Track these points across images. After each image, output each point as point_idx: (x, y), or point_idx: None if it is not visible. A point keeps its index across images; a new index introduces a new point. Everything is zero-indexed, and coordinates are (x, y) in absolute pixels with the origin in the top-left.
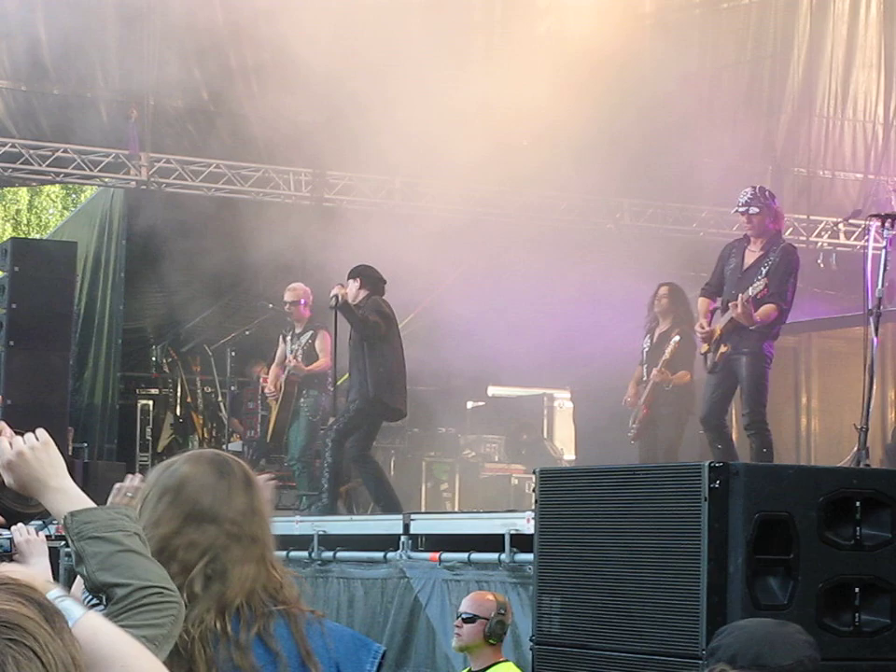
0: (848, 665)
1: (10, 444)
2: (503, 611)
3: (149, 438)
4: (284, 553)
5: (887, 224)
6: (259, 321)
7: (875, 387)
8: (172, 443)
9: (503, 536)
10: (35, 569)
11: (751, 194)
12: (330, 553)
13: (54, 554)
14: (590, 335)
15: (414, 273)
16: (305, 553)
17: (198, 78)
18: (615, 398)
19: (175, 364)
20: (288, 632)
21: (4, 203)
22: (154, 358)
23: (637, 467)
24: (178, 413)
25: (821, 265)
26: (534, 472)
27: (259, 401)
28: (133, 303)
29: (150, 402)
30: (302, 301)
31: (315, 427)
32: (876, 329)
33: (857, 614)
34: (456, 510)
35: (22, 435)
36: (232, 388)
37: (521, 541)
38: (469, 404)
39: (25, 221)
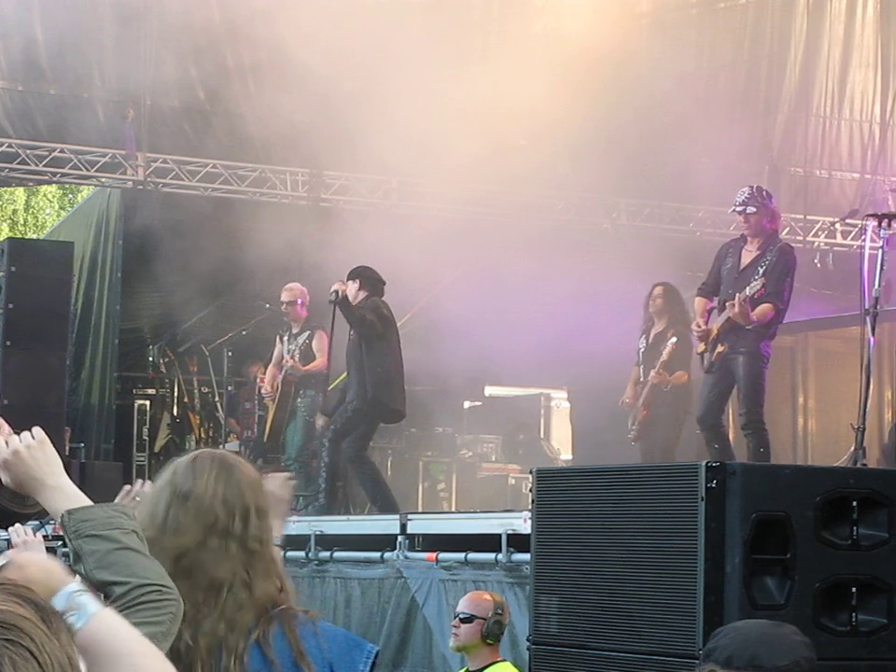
0: (845, 665)
1: (6, 443)
2: (500, 611)
3: (146, 438)
4: (281, 553)
5: (883, 224)
6: (256, 321)
7: (871, 387)
8: (169, 443)
9: (500, 536)
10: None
11: (748, 194)
12: (327, 553)
13: (51, 555)
14: (587, 335)
15: (411, 273)
16: (302, 553)
17: (194, 78)
18: (612, 397)
19: (172, 364)
20: (282, 632)
21: (0, 203)
22: (151, 358)
23: (634, 467)
24: (175, 413)
25: (818, 265)
26: (531, 472)
27: (256, 401)
28: (129, 303)
29: (147, 402)
30: (299, 302)
31: (311, 428)
32: (873, 329)
33: (854, 614)
34: (453, 510)
35: (19, 434)
36: (229, 388)
37: (518, 541)
38: (466, 404)
39: (22, 221)
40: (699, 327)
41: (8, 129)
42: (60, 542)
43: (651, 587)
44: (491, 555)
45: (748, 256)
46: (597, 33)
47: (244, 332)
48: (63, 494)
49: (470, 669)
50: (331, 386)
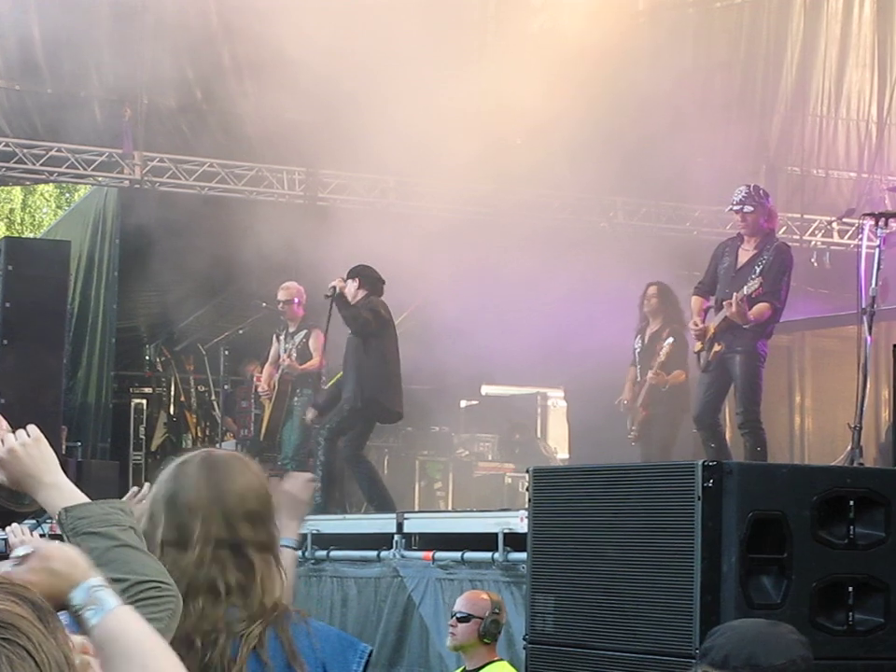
0: (842, 665)
1: (2, 442)
2: (498, 610)
3: (143, 437)
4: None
5: (880, 223)
6: (253, 320)
7: (868, 386)
8: (165, 442)
9: (496, 535)
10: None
11: (745, 193)
12: (324, 552)
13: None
14: (584, 334)
15: (408, 272)
16: (299, 553)
17: (191, 77)
18: (609, 396)
19: (169, 363)
20: (275, 633)
21: None
22: (148, 357)
23: (631, 466)
24: (172, 411)
25: (815, 264)
26: (527, 471)
27: (253, 400)
28: (126, 302)
29: (144, 401)
30: (296, 301)
31: (308, 427)
32: (870, 328)
33: (850, 613)
34: (450, 509)
35: (14, 433)
36: (226, 387)
37: (514, 540)
38: (463, 403)
39: (19, 220)
40: (696, 326)
41: (5, 128)
42: (56, 542)
43: (647, 586)
44: (487, 554)
45: (744, 255)
46: (594, 32)
47: (240, 331)
48: (60, 491)
49: (467, 668)
50: (328, 385)
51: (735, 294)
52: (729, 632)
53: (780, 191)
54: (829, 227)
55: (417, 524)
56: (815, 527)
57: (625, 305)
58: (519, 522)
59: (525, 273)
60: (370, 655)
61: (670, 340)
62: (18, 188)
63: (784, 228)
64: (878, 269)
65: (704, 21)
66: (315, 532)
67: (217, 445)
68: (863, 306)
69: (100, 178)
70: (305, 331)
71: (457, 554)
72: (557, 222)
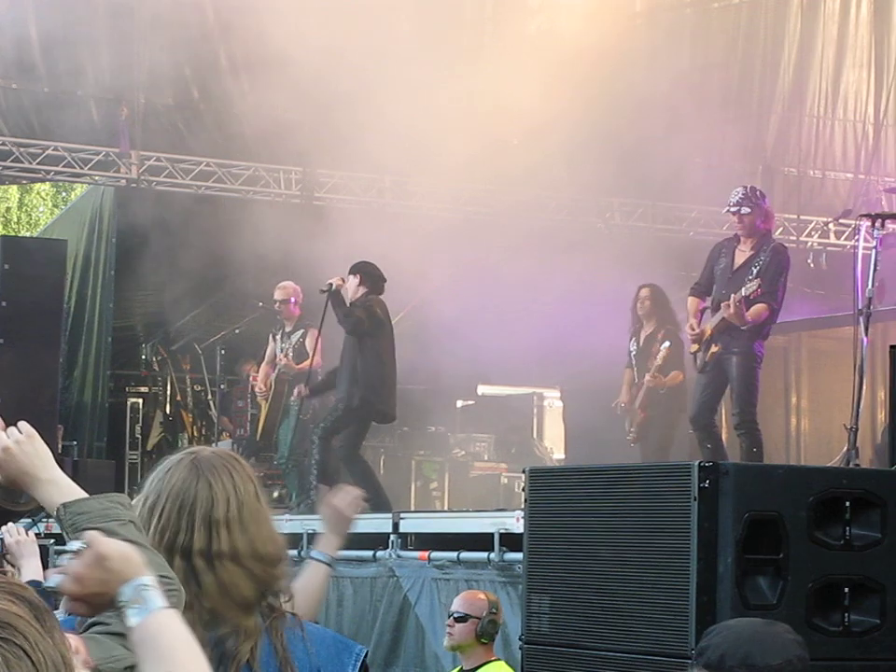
0: (838, 666)
1: None
2: (495, 610)
3: (139, 436)
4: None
5: (877, 224)
6: (249, 319)
7: (864, 387)
8: (161, 441)
9: (492, 535)
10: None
11: (743, 194)
12: None
13: (44, 552)
14: (580, 334)
15: (404, 272)
16: (294, 552)
17: (188, 76)
18: (605, 397)
19: (165, 362)
20: (268, 639)
21: None
22: (144, 357)
23: (627, 466)
24: (168, 411)
25: (811, 265)
26: (523, 471)
27: (249, 400)
28: (122, 301)
29: (140, 400)
30: (292, 300)
31: (305, 426)
32: (866, 329)
33: (846, 614)
34: (446, 508)
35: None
36: (222, 387)
37: (510, 540)
38: (459, 403)
39: (15, 219)
40: (693, 329)
41: (2, 126)
42: (52, 540)
43: (643, 587)
44: (483, 554)
45: (741, 256)
46: (592, 33)
47: (237, 331)
48: (58, 487)
49: (465, 669)
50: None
51: (733, 295)
52: (725, 631)
53: (777, 192)
54: (825, 228)
55: (413, 523)
56: (811, 528)
57: (621, 306)
58: (515, 522)
59: (521, 274)
60: (365, 656)
61: (667, 343)
62: (14, 186)
63: (780, 229)
64: (875, 270)
65: (701, 22)
66: (311, 532)
67: (214, 444)
68: (860, 307)
69: (96, 177)
70: (302, 331)
71: (453, 554)
72: (554, 223)
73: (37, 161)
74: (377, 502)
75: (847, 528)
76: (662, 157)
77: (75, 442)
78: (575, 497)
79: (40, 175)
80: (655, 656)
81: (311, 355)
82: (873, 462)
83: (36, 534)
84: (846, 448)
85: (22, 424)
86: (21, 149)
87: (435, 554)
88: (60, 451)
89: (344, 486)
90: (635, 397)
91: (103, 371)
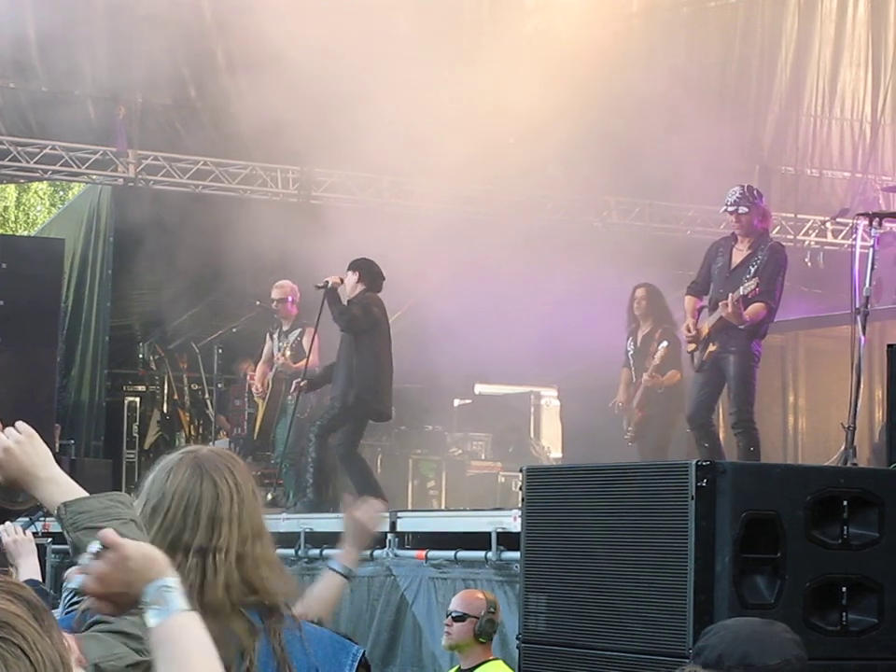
0: (836, 665)
1: None
2: (493, 610)
3: (136, 435)
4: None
5: (874, 223)
6: (247, 318)
7: (862, 386)
8: (158, 440)
9: (490, 534)
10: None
11: (740, 193)
12: (317, 551)
13: (41, 551)
14: (577, 333)
15: (401, 271)
16: (292, 551)
17: (186, 76)
18: (602, 396)
19: (162, 361)
20: (266, 639)
21: None
22: (141, 356)
23: (625, 465)
24: (165, 410)
25: (809, 264)
26: (521, 470)
27: (247, 399)
28: (120, 300)
29: (137, 399)
30: (290, 299)
31: (301, 425)
32: (864, 328)
33: (844, 613)
34: (443, 507)
35: (3, 427)
36: (219, 385)
37: (507, 539)
38: (456, 402)
39: (13, 218)
40: (689, 330)
41: (0, 126)
42: (50, 539)
43: (640, 586)
44: (480, 553)
45: (738, 255)
46: (589, 33)
47: (234, 330)
48: (58, 486)
49: (462, 668)
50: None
51: (731, 294)
52: (723, 631)
53: (774, 191)
54: (823, 227)
55: (410, 522)
56: (808, 527)
57: (619, 305)
58: (512, 521)
59: (518, 273)
60: (362, 656)
61: (665, 343)
62: (12, 185)
63: (778, 228)
64: (872, 269)
65: (698, 21)
66: (308, 531)
67: (211, 443)
68: (857, 306)
69: (94, 176)
70: (299, 330)
71: (450, 553)
72: (551, 222)
73: (35, 160)
74: None
75: (845, 527)
76: (659, 156)
77: (72, 441)
78: (572, 496)
79: (37, 175)
80: (653, 655)
81: (307, 354)
82: (870, 461)
83: (34, 533)
84: (843, 447)
85: (21, 424)
86: (19, 148)
87: (432, 553)
88: (57, 450)
89: (368, 499)
90: (632, 396)
91: (100, 370)
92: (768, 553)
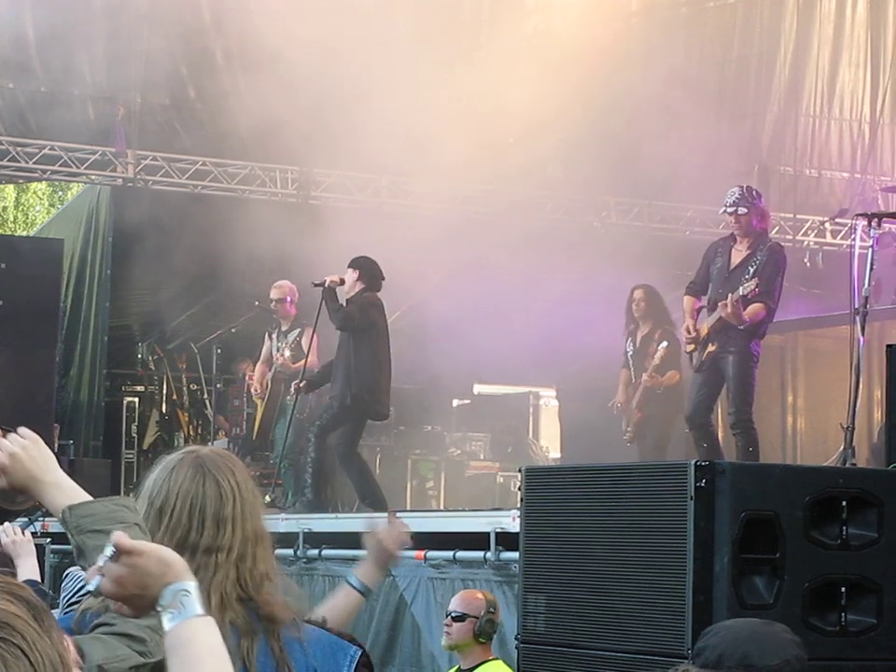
0: (835, 665)
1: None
2: (493, 610)
3: (135, 435)
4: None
5: (873, 223)
6: (245, 319)
7: (861, 387)
8: (157, 440)
9: (489, 534)
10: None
11: (739, 194)
12: (316, 551)
13: (40, 552)
14: (576, 333)
15: (400, 271)
16: (291, 551)
17: (185, 76)
18: (601, 396)
19: (161, 361)
20: (265, 640)
21: None
22: (140, 356)
23: (623, 465)
24: (164, 410)
25: (808, 264)
26: (519, 470)
27: (245, 399)
28: (118, 301)
29: (136, 399)
30: (288, 299)
31: (301, 425)
32: (863, 329)
33: (843, 614)
34: (442, 508)
35: (5, 433)
36: (218, 386)
37: (506, 540)
38: (455, 402)
39: (12, 219)
40: (688, 331)
41: None
42: (49, 539)
43: (639, 586)
44: (479, 554)
45: (737, 255)
46: (588, 33)
47: (233, 330)
48: (62, 490)
49: (462, 668)
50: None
51: (730, 295)
52: (723, 631)
53: (773, 191)
54: (822, 227)
55: (409, 522)
56: (807, 528)
57: (618, 305)
58: (511, 521)
59: (517, 273)
60: (361, 657)
61: (665, 343)
62: (11, 185)
63: (777, 228)
64: (871, 269)
65: (697, 21)
66: (307, 531)
67: (210, 443)
68: (856, 306)
69: (93, 177)
70: (298, 330)
71: (449, 554)
72: (550, 222)
73: (34, 160)
74: (373, 500)
75: (844, 528)
76: (658, 156)
77: (71, 441)
78: (571, 496)
79: (37, 175)
80: (652, 655)
81: (306, 354)
82: (869, 461)
83: (33, 533)
84: (842, 447)
85: (23, 430)
86: (18, 149)
87: (431, 554)
88: (56, 450)
89: (393, 517)
90: (631, 397)
91: (99, 371)
92: (767, 553)
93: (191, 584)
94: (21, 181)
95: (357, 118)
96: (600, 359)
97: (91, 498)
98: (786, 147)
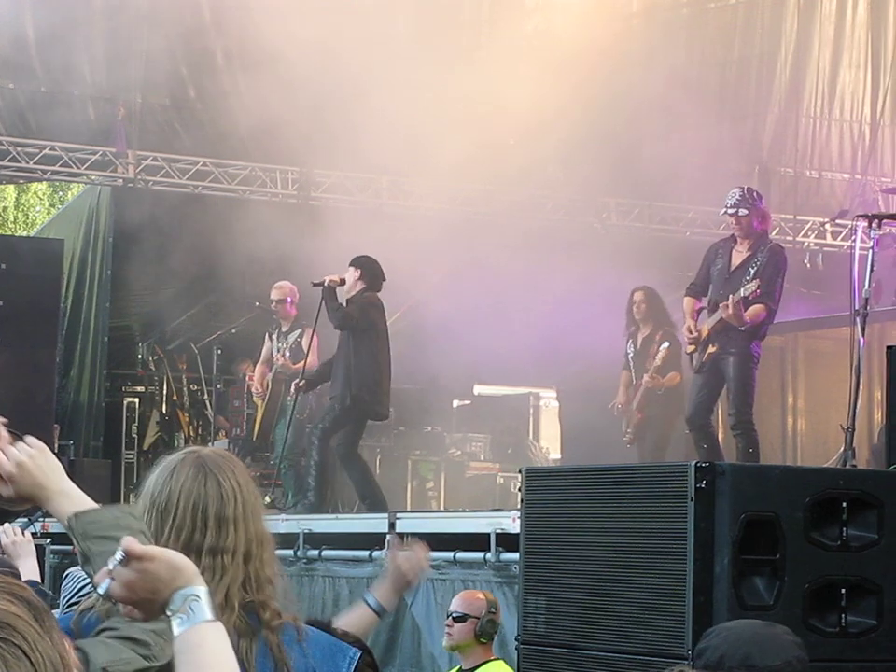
0: (834, 667)
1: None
2: (493, 610)
3: (135, 435)
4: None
5: (874, 224)
6: (246, 319)
7: (861, 388)
8: (158, 441)
9: (489, 535)
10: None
11: (740, 195)
12: (316, 552)
13: (40, 552)
14: (576, 334)
15: (400, 272)
16: (291, 552)
17: (185, 76)
18: (601, 397)
19: (161, 362)
20: (264, 642)
21: None
22: (140, 356)
23: (623, 466)
24: (164, 410)
25: (808, 265)
26: (520, 471)
27: (246, 399)
28: (119, 301)
29: (136, 400)
30: (289, 300)
31: (301, 425)
32: (863, 330)
33: (843, 615)
34: (442, 508)
35: (14, 438)
36: (218, 386)
37: (506, 540)
38: (455, 403)
39: (12, 219)
40: (689, 331)
41: None
42: (49, 540)
43: (639, 587)
44: (480, 554)
45: (738, 257)
46: (588, 33)
47: (233, 330)
48: (69, 498)
49: (464, 668)
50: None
51: (731, 296)
52: (724, 633)
53: (773, 192)
54: (822, 228)
55: (409, 523)
56: (807, 529)
57: (618, 306)
58: (511, 522)
59: (517, 274)
60: (362, 658)
61: (666, 344)
62: (11, 186)
63: (777, 229)
64: (871, 270)
65: (697, 22)
66: (307, 532)
67: (210, 444)
68: (856, 308)
69: (93, 177)
70: (299, 331)
71: (449, 554)
72: (551, 223)
73: (34, 160)
74: (374, 501)
75: (844, 529)
76: (658, 157)
77: (71, 442)
78: (571, 497)
79: (37, 175)
80: (651, 657)
81: (306, 354)
82: (869, 463)
83: (33, 534)
84: (842, 449)
85: (31, 439)
86: (18, 149)
87: (431, 554)
88: (56, 450)
89: (416, 544)
90: (632, 398)
91: (99, 371)
92: (767, 554)
93: (202, 589)
94: (21, 181)
95: (357, 118)
96: (600, 360)
97: (97, 506)
98: (786, 148)
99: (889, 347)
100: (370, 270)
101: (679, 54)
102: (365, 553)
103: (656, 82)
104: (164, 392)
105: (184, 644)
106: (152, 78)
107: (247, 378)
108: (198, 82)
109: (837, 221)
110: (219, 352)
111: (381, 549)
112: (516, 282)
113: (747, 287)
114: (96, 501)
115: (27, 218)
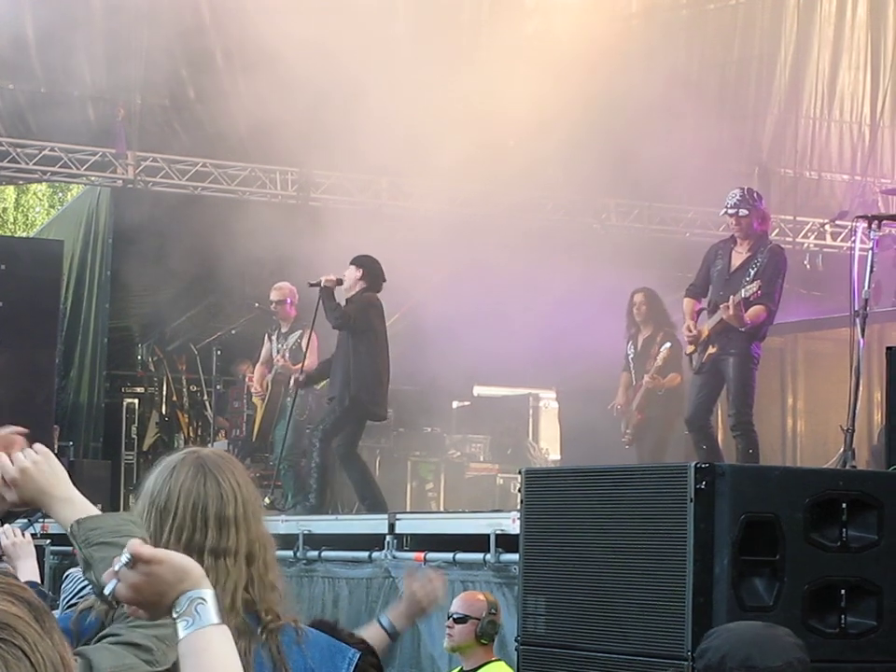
0: (834, 667)
1: (11, 461)
2: (494, 611)
3: (135, 436)
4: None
5: (873, 225)
6: (245, 320)
7: (860, 389)
8: (157, 442)
9: (488, 536)
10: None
11: (740, 196)
12: (315, 553)
13: (40, 553)
14: (576, 335)
15: (400, 273)
16: (290, 553)
17: (184, 77)
18: (601, 398)
19: (161, 362)
20: (264, 644)
21: None
22: (140, 357)
23: (623, 467)
24: (164, 411)
25: (808, 266)
26: (519, 472)
27: (245, 400)
28: (118, 302)
29: (136, 401)
30: (288, 301)
31: (300, 426)
32: (863, 331)
33: (843, 616)
34: (441, 509)
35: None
36: (218, 387)
37: (506, 541)
38: (455, 404)
39: (12, 220)
40: (689, 330)
41: None
42: (48, 541)
43: (639, 588)
44: (479, 555)
45: (738, 257)
46: (588, 34)
47: (233, 331)
48: (72, 504)
49: (465, 669)
50: (319, 386)
51: (732, 297)
52: (725, 634)
53: (773, 193)
54: (822, 229)
55: (409, 524)
56: (807, 530)
57: (618, 307)
58: (511, 523)
59: (517, 275)
60: (359, 660)
61: (668, 345)
62: (11, 187)
63: (777, 230)
64: (871, 271)
65: (697, 23)
66: (306, 532)
67: (210, 445)
68: (856, 309)
69: (93, 178)
70: (299, 332)
71: (449, 555)
72: (550, 223)
73: (34, 161)
74: (373, 501)
75: (844, 530)
76: (658, 157)
77: (71, 443)
78: (571, 498)
79: (36, 176)
80: (651, 658)
81: (305, 354)
82: (869, 464)
83: (32, 534)
84: (842, 449)
85: (37, 445)
86: (18, 150)
87: (431, 555)
88: (56, 451)
89: (433, 573)
90: (631, 399)
91: (99, 372)
92: (767, 555)
93: (208, 592)
94: (20, 182)
95: (356, 118)
96: (600, 361)
97: (99, 513)
98: (786, 148)
99: (888, 348)
100: (371, 269)
101: (679, 55)
102: (365, 554)
103: (656, 83)
104: (164, 393)
105: (189, 647)
106: (151, 79)
107: (247, 379)
108: (197, 83)
109: (837, 222)
110: (219, 353)
111: (381, 550)
112: (516, 283)
113: (747, 288)
114: (96, 502)
115: (27, 219)
